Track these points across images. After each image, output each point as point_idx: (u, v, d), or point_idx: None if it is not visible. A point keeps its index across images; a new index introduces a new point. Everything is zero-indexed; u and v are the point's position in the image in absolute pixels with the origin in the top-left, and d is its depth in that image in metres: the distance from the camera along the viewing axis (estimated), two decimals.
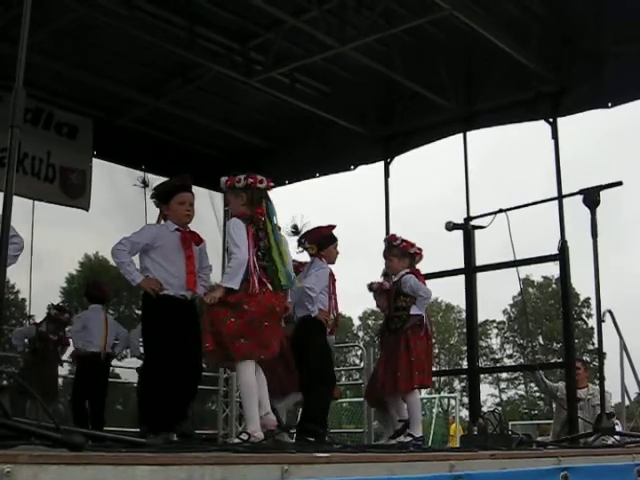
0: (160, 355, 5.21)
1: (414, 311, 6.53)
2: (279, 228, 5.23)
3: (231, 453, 3.02)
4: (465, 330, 11.43)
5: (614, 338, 7.81)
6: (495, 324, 54.41)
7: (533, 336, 49.65)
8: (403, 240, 6.82)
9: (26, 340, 8.98)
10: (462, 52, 8.85)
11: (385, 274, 7.21)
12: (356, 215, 50.74)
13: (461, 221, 7.70)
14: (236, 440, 4.82)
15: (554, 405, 9.46)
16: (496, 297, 37.87)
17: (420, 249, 6.88)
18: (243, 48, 8.71)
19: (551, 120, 8.41)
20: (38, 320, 9.38)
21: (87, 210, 9.78)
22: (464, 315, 30.02)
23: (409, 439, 6.30)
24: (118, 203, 10.22)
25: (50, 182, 9.26)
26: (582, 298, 47.57)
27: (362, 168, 10.28)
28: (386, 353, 6.75)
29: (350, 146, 10.00)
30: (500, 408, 42.88)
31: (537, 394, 46.69)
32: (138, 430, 5.42)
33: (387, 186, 9.70)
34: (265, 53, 8.61)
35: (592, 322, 43.73)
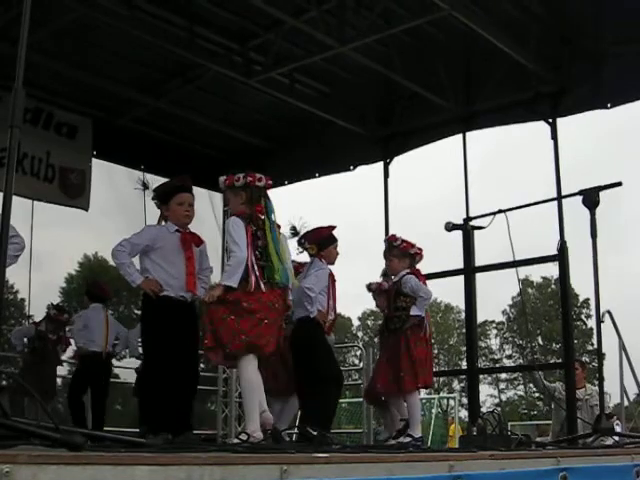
0: (159, 356, 5.21)
1: (414, 312, 6.53)
2: (278, 226, 5.24)
3: (230, 453, 3.01)
4: (464, 330, 11.46)
5: (613, 339, 7.81)
6: (494, 324, 54.40)
7: (532, 337, 49.61)
8: (403, 240, 6.82)
9: (25, 340, 8.98)
10: (461, 52, 8.86)
11: (384, 274, 7.21)
12: (355, 215, 50.65)
13: (460, 221, 7.70)
14: (235, 440, 4.82)
15: (553, 405, 9.46)
16: (495, 297, 37.97)
17: (420, 249, 6.88)
18: (243, 48, 8.72)
19: (550, 120, 8.42)
20: (37, 320, 9.38)
21: (86, 210, 9.78)
22: (463, 315, 30.03)
23: (408, 439, 6.30)
24: (118, 203, 10.22)
25: (49, 182, 9.25)
26: (581, 299, 47.57)
27: (361, 168, 10.30)
28: (386, 353, 6.75)
29: (349, 146, 10.01)
30: (499, 408, 42.93)
31: (536, 395, 46.64)
32: (137, 430, 5.42)
33: (386, 186, 9.71)
34: (265, 53, 8.62)
35: (591, 323, 43.75)
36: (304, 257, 6.40)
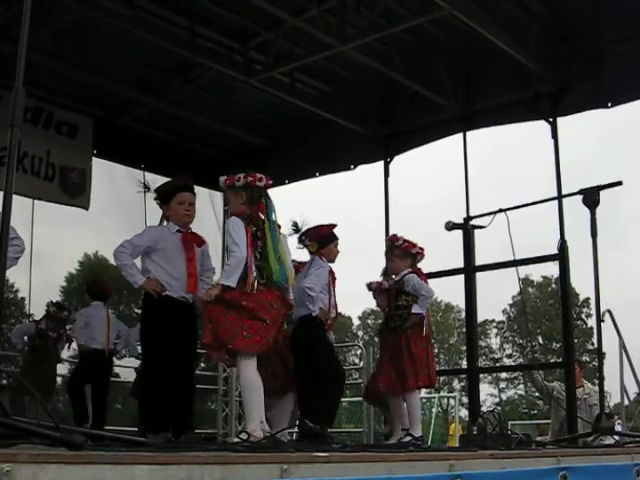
0: (158, 355, 5.22)
1: (415, 310, 6.54)
2: (279, 226, 5.24)
3: (230, 452, 3.01)
4: (464, 330, 11.46)
5: (613, 338, 7.82)
6: (494, 324, 54.39)
7: (532, 336, 49.61)
8: (405, 240, 6.82)
9: (25, 338, 8.99)
10: (461, 51, 8.86)
11: (384, 273, 7.21)
12: (356, 215, 50.72)
13: (461, 221, 7.70)
14: (235, 439, 4.83)
15: (552, 405, 9.46)
16: (496, 297, 37.92)
17: (422, 249, 6.88)
18: (243, 48, 8.72)
19: (551, 120, 8.42)
20: (37, 318, 9.38)
21: (87, 209, 9.78)
22: (463, 315, 29.99)
23: (409, 439, 6.31)
24: (118, 202, 10.24)
25: (50, 181, 9.26)
26: (582, 298, 47.53)
27: (362, 167, 10.29)
28: (388, 352, 6.74)
29: (350, 145, 10.00)
30: (499, 408, 42.87)
31: (536, 394, 46.63)
32: (137, 429, 5.43)
33: (387, 185, 9.71)
34: (265, 53, 8.62)
35: (592, 322, 43.73)
36: (304, 256, 6.41)
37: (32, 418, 3.01)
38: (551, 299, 50.48)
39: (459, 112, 9.10)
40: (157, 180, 6.21)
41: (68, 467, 2.15)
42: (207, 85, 9.51)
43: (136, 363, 8.56)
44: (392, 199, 9.66)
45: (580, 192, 6.08)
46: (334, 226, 6.42)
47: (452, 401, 22.87)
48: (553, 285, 49.40)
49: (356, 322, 56.55)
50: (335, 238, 6.37)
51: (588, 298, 45.12)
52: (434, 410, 21.99)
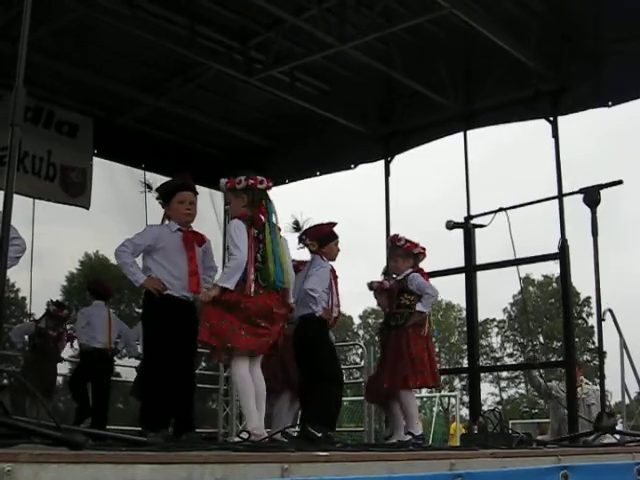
0: (159, 354, 5.22)
1: (419, 308, 6.56)
2: (279, 229, 5.24)
3: (231, 452, 3.01)
4: (465, 329, 11.44)
5: (614, 337, 7.82)
6: (495, 323, 54.41)
7: (533, 335, 49.64)
8: (407, 240, 6.82)
9: (26, 337, 8.99)
10: (462, 50, 8.86)
11: (385, 273, 7.21)
12: (356, 214, 50.67)
13: (461, 220, 7.70)
14: (236, 439, 4.83)
15: (551, 404, 9.45)
16: (496, 296, 37.89)
17: (424, 249, 6.89)
18: (243, 47, 8.72)
19: (551, 119, 8.42)
20: (37, 318, 9.38)
21: (87, 209, 9.79)
22: (464, 314, 29.97)
23: (409, 437, 6.31)
24: (118, 202, 10.24)
25: (50, 181, 9.26)
26: (582, 297, 47.53)
27: (362, 167, 10.29)
28: (388, 351, 6.74)
29: (350, 145, 10.00)
30: (500, 407, 42.89)
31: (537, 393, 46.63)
32: (138, 429, 5.44)
33: (387, 185, 9.71)
34: (265, 52, 8.62)
35: (592, 321, 43.68)
36: (304, 255, 6.41)
37: (33, 418, 3.01)
38: (552, 298, 50.47)
39: (459, 111, 9.10)
40: (158, 180, 6.21)
41: (69, 467, 2.15)
42: (207, 84, 9.51)
43: (137, 362, 8.56)
44: (392, 198, 9.67)
45: (581, 191, 6.07)
46: (334, 225, 6.42)
47: (453, 400, 22.91)
48: (554, 284, 49.36)
49: (357, 321, 56.64)
50: (335, 237, 6.37)
51: (589, 297, 45.14)
52: (435, 409, 22.03)
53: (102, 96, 9.56)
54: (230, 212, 5.67)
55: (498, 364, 50.28)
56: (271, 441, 4.66)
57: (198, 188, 5.71)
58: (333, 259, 6.35)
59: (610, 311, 7.43)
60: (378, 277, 7.17)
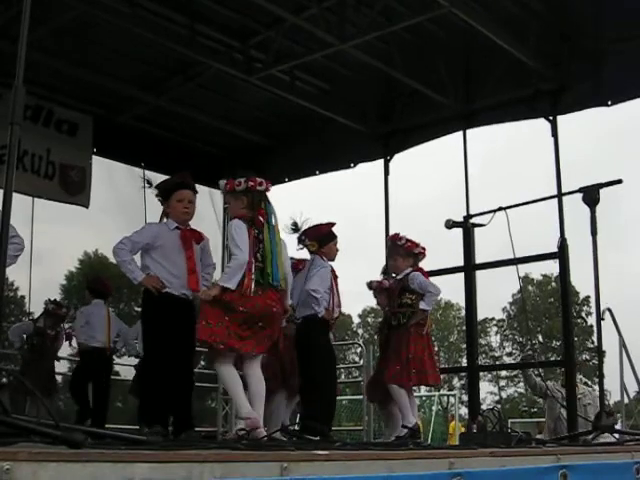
0: (158, 352, 5.22)
1: (422, 306, 6.56)
2: (278, 230, 5.24)
3: (230, 450, 3.02)
4: (464, 328, 11.43)
5: (613, 336, 7.82)
6: (495, 322, 54.40)
7: (532, 334, 49.63)
8: (407, 240, 6.82)
9: (24, 336, 8.98)
10: (461, 49, 8.86)
11: (384, 272, 7.20)
12: (356, 213, 50.71)
13: (461, 219, 7.69)
14: (234, 431, 4.84)
15: (547, 403, 9.45)
16: (496, 295, 37.89)
17: (424, 248, 6.89)
18: (243, 46, 8.72)
19: (551, 118, 8.42)
20: (35, 318, 9.37)
21: (87, 207, 9.78)
22: (463, 313, 30.01)
23: (405, 431, 6.31)
24: (118, 200, 10.23)
25: (50, 179, 9.25)
26: (582, 296, 47.52)
27: (362, 166, 10.30)
28: (388, 350, 6.74)
29: (350, 144, 10.00)
30: (499, 406, 42.90)
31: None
32: (137, 427, 5.45)
33: (387, 184, 9.71)
34: (265, 51, 8.62)
35: (592, 320, 43.67)
36: (304, 254, 6.42)
37: (32, 416, 3.01)
38: (551, 297, 50.50)
39: (459, 110, 9.10)
40: (157, 178, 6.21)
41: (68, 465, 2.15)
42: (207, 83, 9.52)
43: (136, 361, 8.57)
44: (392, 197, 9.67)
45: (580, 190, 6.07)
46: (333, 225, 6.43)
47: (452, 399, 22.91)
48: (553, 283, 49.38)
49: (356, 320, 56.66)
50: (334, 236, 6.38)
51: (588, 296, 45.14)
52: (434, 408, 22.03)
53: (102, 94, 9.56)
54: (229, 213, 5.67)
55: (497, 363, 50.27)
56: (270, 440, 4.66)
57: (198, 187, 5.72)
58: (333, 259, 6.36)
59: (609, 310, 7.42)
60: (377, 276, 7.17)
